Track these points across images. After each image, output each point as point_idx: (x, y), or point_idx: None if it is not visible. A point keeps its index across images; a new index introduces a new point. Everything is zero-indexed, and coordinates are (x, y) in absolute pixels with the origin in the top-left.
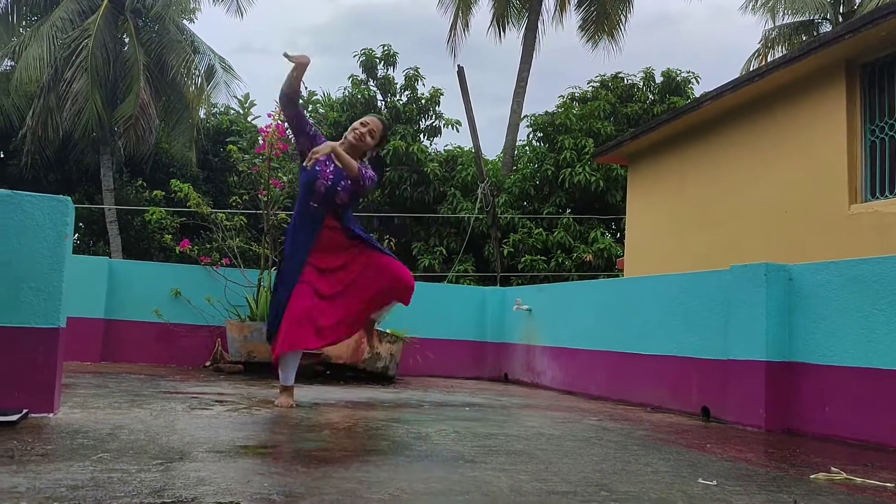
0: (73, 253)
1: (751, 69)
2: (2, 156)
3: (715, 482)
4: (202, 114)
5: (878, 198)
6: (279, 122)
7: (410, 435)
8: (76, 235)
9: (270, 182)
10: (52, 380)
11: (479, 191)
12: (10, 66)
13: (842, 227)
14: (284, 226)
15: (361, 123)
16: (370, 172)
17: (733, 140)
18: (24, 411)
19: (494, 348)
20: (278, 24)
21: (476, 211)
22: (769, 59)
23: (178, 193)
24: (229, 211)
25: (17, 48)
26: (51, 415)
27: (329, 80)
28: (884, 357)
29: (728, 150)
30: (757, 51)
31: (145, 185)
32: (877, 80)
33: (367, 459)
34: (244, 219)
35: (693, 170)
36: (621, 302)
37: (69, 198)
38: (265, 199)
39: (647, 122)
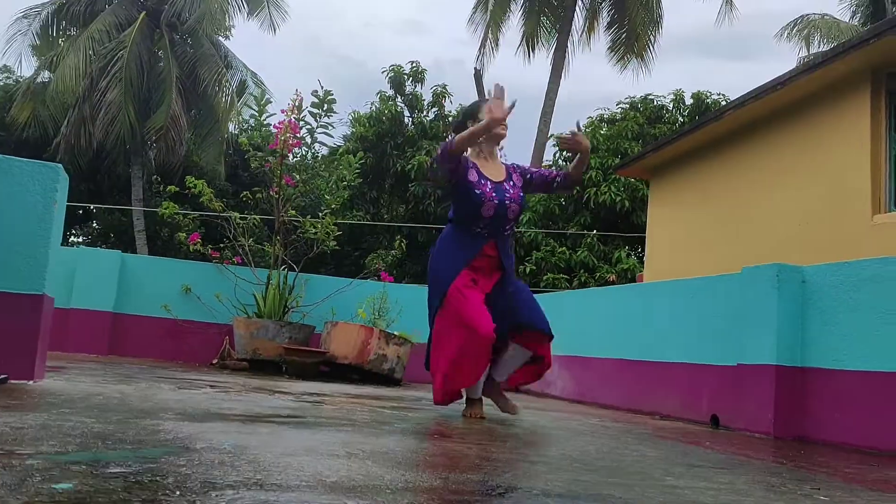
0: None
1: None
2: None
3: (702, 465)
4: (233, 128)
5: None
6: (292, 118)
7: (395, 417)
8: (104, 245)
9: (283, 179)
10: (34, 346)
11: None
12: (48, 77)
13: (865, 238)
14: (296, 223)
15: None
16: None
17: (756, 151)
18: (3, 376)
19: None
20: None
21: None
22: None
23: (193, 190)
24: (241, 215)
25: (54, 59)
26: (31, 382)
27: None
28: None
29: (750, 162)
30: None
31: (172, 199)
32: None
33: (341, 428)
34: (257, 218)
35: (715, 182)
36: (634, 309)
37: (60, 165)
38: (277, 196)
39: (676, 132)
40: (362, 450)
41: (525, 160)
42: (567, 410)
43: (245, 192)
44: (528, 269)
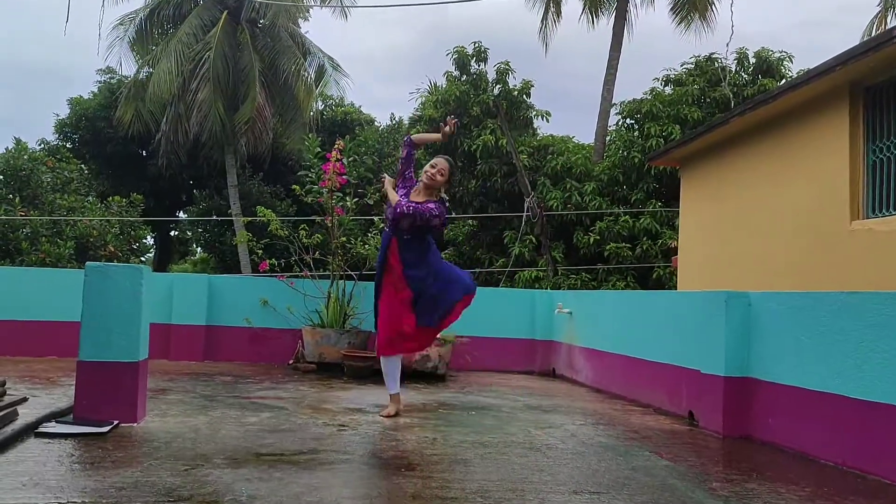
0: (208, 239)
1: (873, 32)
2: (144, 155)
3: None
4: (320, 105)
5: (877, 215)
6: (336, 161)
7: (388, 444)
8: (206, 227)
9: (334, 210)
10: (135, 399)
11: (526, 204)
12: (148, 72)
13: (844, 242)
14: (348, 245)
15: (431, 165)
16: (431, 206)
17: (760, 152)
18: (115, 422)
19: (543, 345)
20: (359, 43)
21: (523, 223)
22: (888, 20)
23: (262, 218)
24: (306, 235)
25: (150, 62)
26: (134, 424)
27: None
28: (809, 378)
29: (756, 162)
30: (878, 14)
31: (264, 180)
32: (879, 101)
33: (328, 465)
34: (320, 236)
35: (731, 177)
36: (632, 313)
37: (144, 266)
38: (331, 224)
39: (697, 129)
40: (324, 497)
41: (590, 127)
42: (569, 408)
43: (303, 226)
44: (591, 240)
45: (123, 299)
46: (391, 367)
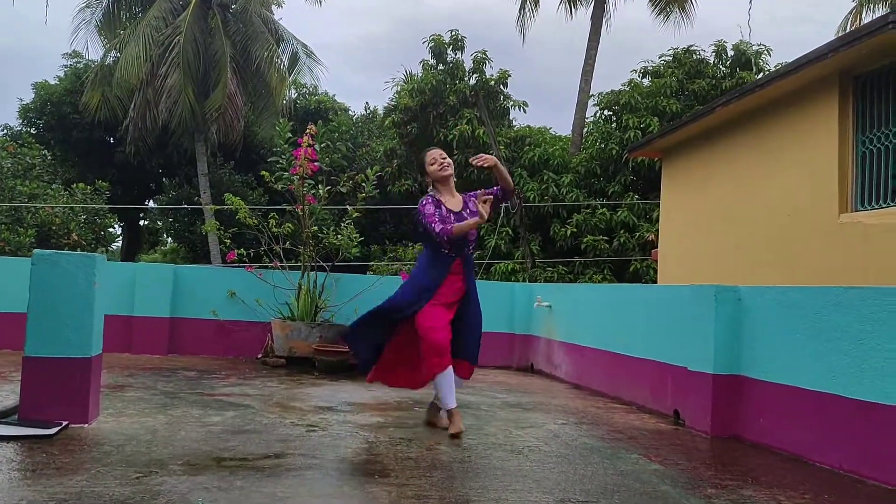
0: (178, 229)
1: (847, 28)
2: (112, 141)
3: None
4: (293, 93)
5: (867, 207)
6: (307, 147)
7: (360, 446)
8: (176, 216)
9: (306, 199)
10: (87, 398)
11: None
12: (116, 56)
13: (833, 235)
14: (320, 234)
15: (435, 160)
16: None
17: (746, 143)
18: (64, 423)
19: (522, 340)
20: (335, 31)
21: (501, 214)
22: (863, 17)
23: (231, 206)
24: (276, 223)
25: (118, 45)
26: (85, 425)
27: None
28: (803, 377)
29: (742, 153)
30: (853, 10)
31: (236, 168)
32: (869, 91)
33: (295, 471)
34: (291, 226)
35: (715, 169)
36: (615, 307)
37: (99, 255)
38: (302, 213)
39: (679, 119)
40: None
41: (567, 120)
42: (545, 406)
43: (273, 215)
44: (568, 232)
45: (75, 290)
46: (450, 378)
